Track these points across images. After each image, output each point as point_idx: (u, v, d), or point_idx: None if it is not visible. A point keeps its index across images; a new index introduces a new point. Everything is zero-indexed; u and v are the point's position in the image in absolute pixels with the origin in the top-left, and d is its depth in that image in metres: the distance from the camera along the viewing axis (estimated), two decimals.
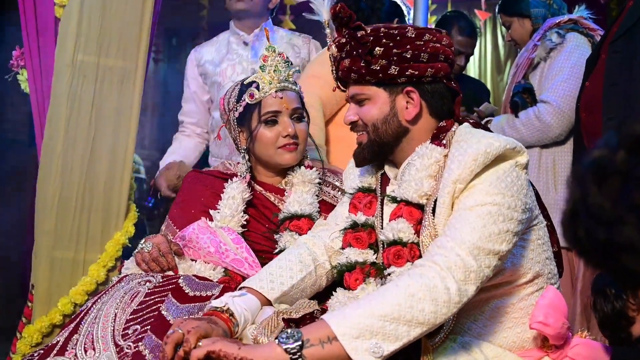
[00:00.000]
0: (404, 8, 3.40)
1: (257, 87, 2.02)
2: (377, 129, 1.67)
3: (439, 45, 1.64)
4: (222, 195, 2.04)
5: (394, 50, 1.62)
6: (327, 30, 1.73)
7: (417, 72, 1.62)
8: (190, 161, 2.99)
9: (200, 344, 1.41)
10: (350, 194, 1.83)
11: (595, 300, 1.73)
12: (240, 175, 2.07)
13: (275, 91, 2.01)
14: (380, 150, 1.70)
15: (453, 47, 1.67)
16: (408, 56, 1.62)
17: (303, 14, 1.83)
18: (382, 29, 1.64)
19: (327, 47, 1.82)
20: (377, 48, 1.62)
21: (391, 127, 1.66)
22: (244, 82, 2.08)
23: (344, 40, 1.67)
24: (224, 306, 1.59)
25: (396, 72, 1.62)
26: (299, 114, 2.06)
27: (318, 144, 2.28)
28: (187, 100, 2.98)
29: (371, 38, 1.63)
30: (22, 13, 2.75)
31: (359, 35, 1.63)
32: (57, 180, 2.72)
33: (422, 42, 1.62)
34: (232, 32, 2.92)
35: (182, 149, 2.98)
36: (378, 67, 1.63)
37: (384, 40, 1.63)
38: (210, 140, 2.96)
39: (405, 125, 1.66)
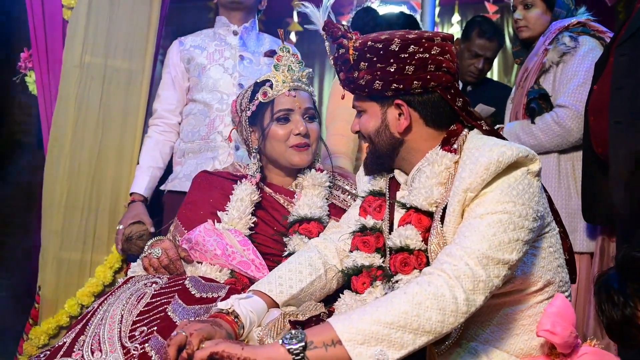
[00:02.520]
0: (418, 18, 3.37)
1: (271, 86, 2.04)
2: (372, 141, 1.69)
3: (427, 56, 1.60)
4: (231, 196, 2.04)
5: (378, 65, 1.61)
6: (327, 44, 1.73)
7: (402, 86, 1.60)
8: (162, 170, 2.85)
9: (203, 345, 1.41)
10: (362, 197, 1.83)
11: (601, 304, 1.71)
12: (251, 176, 2.07)
13: (289, 90, 2.03)
14: (380, 160, 1.72)
15: (448, 55, 1.62)
16: (392, 70, 1.60)
17: (304, 26, 1.83)
18: (368, 43, 1.63)
19: None
20: (361, 63, 1.63)
21: (384, 139, 1.67)
22: (257, 82, 2.09)
23: (337, 54, 1.68)
24: (230, 308, 1.59)
25: (380, 87, 1.62)
26: (311, 114, 2.07)
27: (345, 152, 2.27)
28: (167, 86, 2.85)
29: (357, 53, 1.63)
30: (30, 15, 2.76)
31: (345, 50, 1.64)
32: (64, 182, 2.73)
33: (407, 55, 1.59)
34: (220, 24, 2.87)
35: (160, 156, 2.81)
36: (364, 82, 1.63)
37: (368, 55, 1.62)
38: (182, 126, 2.84)
39: (397, 136, 1.66)
